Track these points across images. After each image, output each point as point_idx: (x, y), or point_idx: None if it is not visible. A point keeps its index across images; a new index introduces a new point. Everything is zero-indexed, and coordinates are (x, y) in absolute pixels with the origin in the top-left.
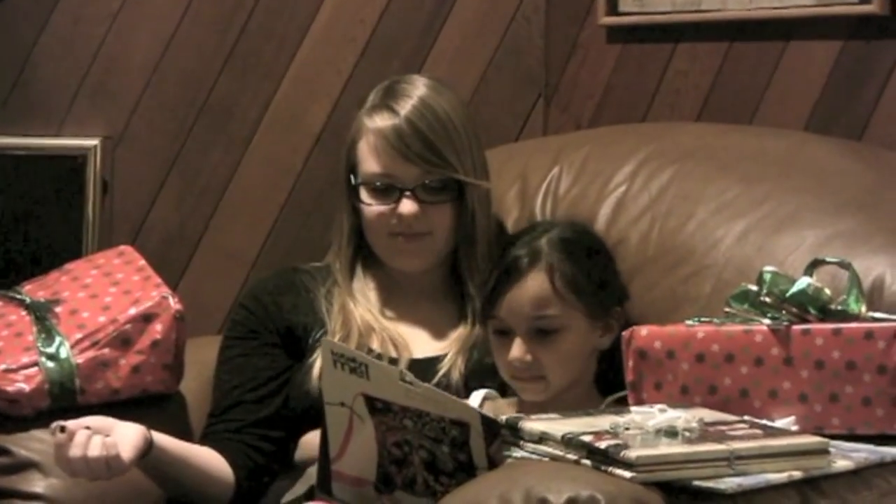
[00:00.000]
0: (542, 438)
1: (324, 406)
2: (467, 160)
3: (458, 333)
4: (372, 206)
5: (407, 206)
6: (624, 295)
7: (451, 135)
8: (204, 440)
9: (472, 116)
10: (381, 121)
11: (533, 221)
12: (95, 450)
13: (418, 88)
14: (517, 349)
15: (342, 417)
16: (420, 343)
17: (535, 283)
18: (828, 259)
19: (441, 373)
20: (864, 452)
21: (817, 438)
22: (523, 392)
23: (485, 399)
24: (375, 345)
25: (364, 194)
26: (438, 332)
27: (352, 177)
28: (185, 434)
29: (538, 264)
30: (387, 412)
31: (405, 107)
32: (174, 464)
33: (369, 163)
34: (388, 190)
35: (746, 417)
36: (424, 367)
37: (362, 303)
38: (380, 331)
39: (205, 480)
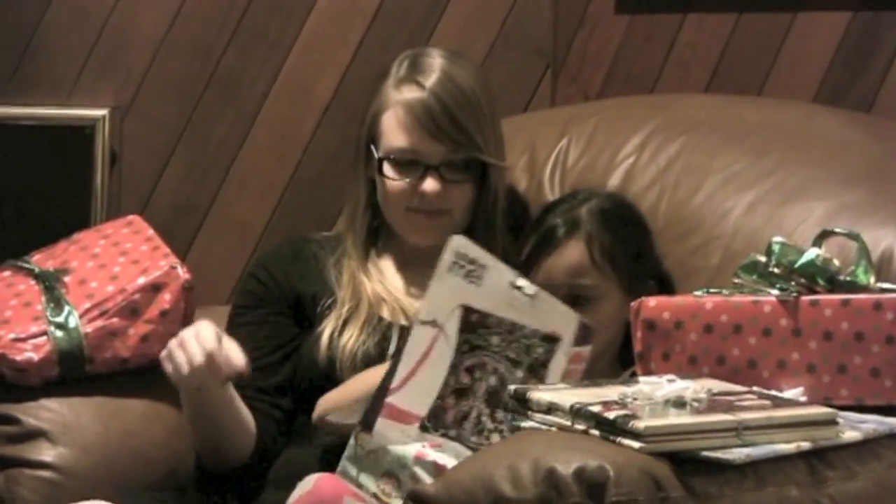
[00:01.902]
0: (551, 409)
1: (412, 326)
2: (490, 139)
3: None
4: (394, 181)
5: (430, 183)
6: (658, 270)
7: (476, 113)
8: None
9: (493, 92)
10: (410, 94)
11: (573, 189)
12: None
13: (444, 63)
14: None
15: (425, 338)
16: None
17: (573, 252)
18: (836, 230)
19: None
20: (872, 423)
21: (825, 409)
22: None
23: None
24: (386, 314)
25: (387, 168)
26: None
27: (373, 149)
28: None
29: (577, 233)
30: (478, 328)
31: (434, 82)
32: (230, 402)
33: (395, 137)
34: (411, 165)
35: (755, 388)
36: None
37: (374, 274)
38: (391, 301)
39: (240, 428)
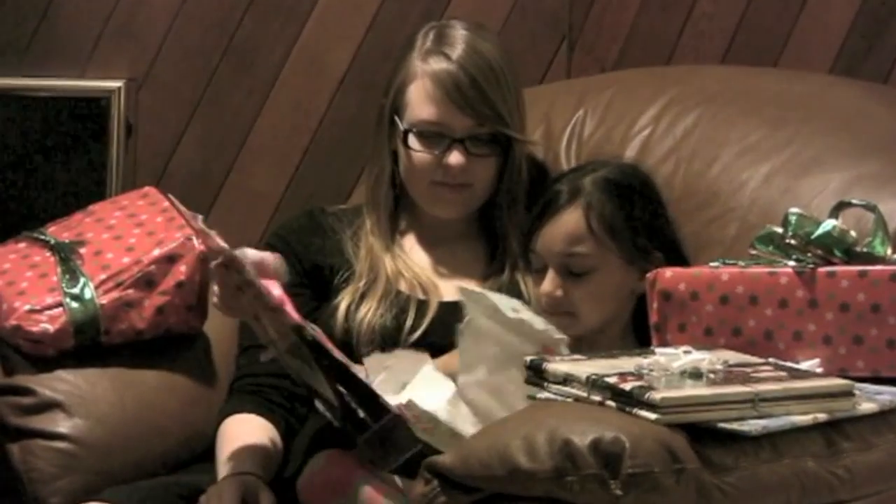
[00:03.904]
0: (567, 380)
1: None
2: (515, 113)
3: (486, 277)
4: (419, 153)
5: (455, 157)
6: (670, 242)
7: (502, 87)
8: (242, 395)
9: (515, 65)
10: (438, 65)
11: (588, 160)
12: None
13: (469, 35)
14: (548, 283)
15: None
16: (449, 286)
17: (570, 220)
18: (853, 201)
19: (468, 316)
20: (888, 395)
21: (842, 381)
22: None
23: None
24: (404, 287)
25: (412, 140)
26: (467, 276)
27: (398, 120)
28: (208, 374)
29: (576, 201)
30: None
31: (461, 54)
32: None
33: (422, 108)
34: (437, 138)
35: (771, 359)
36: (452, 311)
37: (395, 249)
38: (410, 277)
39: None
